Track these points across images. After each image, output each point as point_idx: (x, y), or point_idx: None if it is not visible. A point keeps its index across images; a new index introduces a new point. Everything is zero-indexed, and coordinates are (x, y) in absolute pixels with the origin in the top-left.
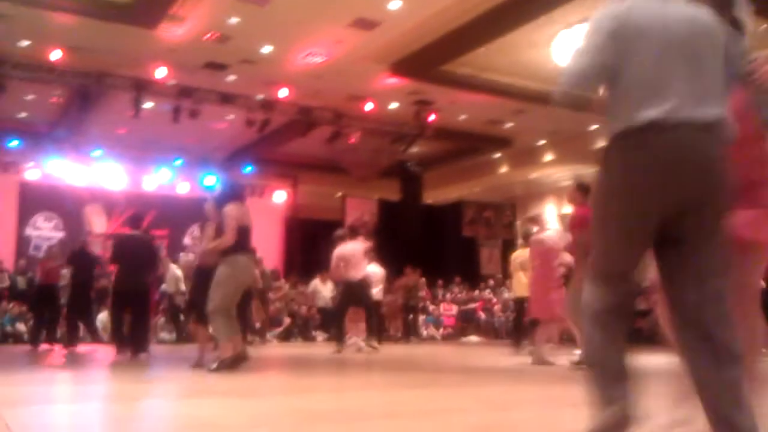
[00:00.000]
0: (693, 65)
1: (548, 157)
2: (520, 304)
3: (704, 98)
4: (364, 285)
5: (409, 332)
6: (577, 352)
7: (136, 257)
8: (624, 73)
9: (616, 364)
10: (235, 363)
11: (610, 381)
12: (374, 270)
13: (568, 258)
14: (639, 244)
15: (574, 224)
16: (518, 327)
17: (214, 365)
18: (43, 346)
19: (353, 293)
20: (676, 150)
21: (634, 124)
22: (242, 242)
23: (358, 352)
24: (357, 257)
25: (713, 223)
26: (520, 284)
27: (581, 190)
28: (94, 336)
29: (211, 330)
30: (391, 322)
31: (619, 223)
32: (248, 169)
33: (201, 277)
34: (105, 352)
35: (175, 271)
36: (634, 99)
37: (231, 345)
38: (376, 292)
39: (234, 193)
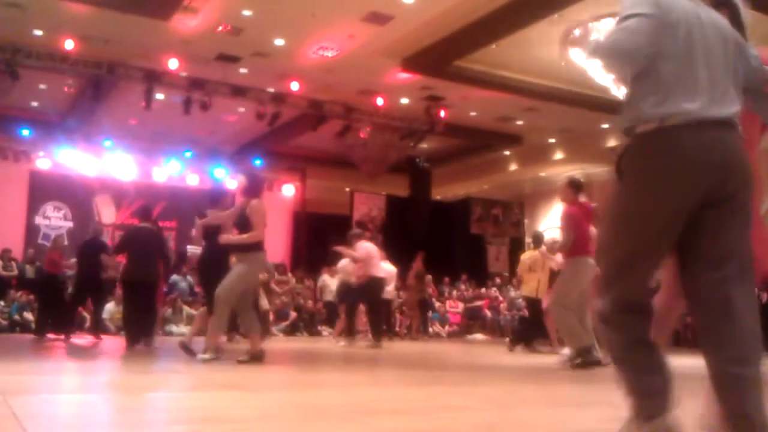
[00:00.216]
0: (710, 64)
1: (558, 155)
2: (530, 303)
3: (723, 97)
4: (380, 284)
5: (426, 328)
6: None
7: (145, 248)
8: (656, 66)
9: (655, 384)
10: (256, 359)
11: (650, 400)
12: (388, 268)
13: (559, 259)
14: (664, 246)
15: (565, 223)
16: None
17: (207, 355)
18: (49, 336)
19: (368, 291)
20: (704, 148)
21: (662, 122)
22: (263, 239)
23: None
24: (376, 255)
25: (736, 215)
26: (528, 285)
27: (573, 187)
28: (101, 327)
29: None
30: (409, 319)
31: (646, 226)
32: (257, 162)
33: (211, 268)
34: (112, 343)
35: None
36: (662, 95)
37: (220, 335)
38: (389, 290)
39: (259, 188)
